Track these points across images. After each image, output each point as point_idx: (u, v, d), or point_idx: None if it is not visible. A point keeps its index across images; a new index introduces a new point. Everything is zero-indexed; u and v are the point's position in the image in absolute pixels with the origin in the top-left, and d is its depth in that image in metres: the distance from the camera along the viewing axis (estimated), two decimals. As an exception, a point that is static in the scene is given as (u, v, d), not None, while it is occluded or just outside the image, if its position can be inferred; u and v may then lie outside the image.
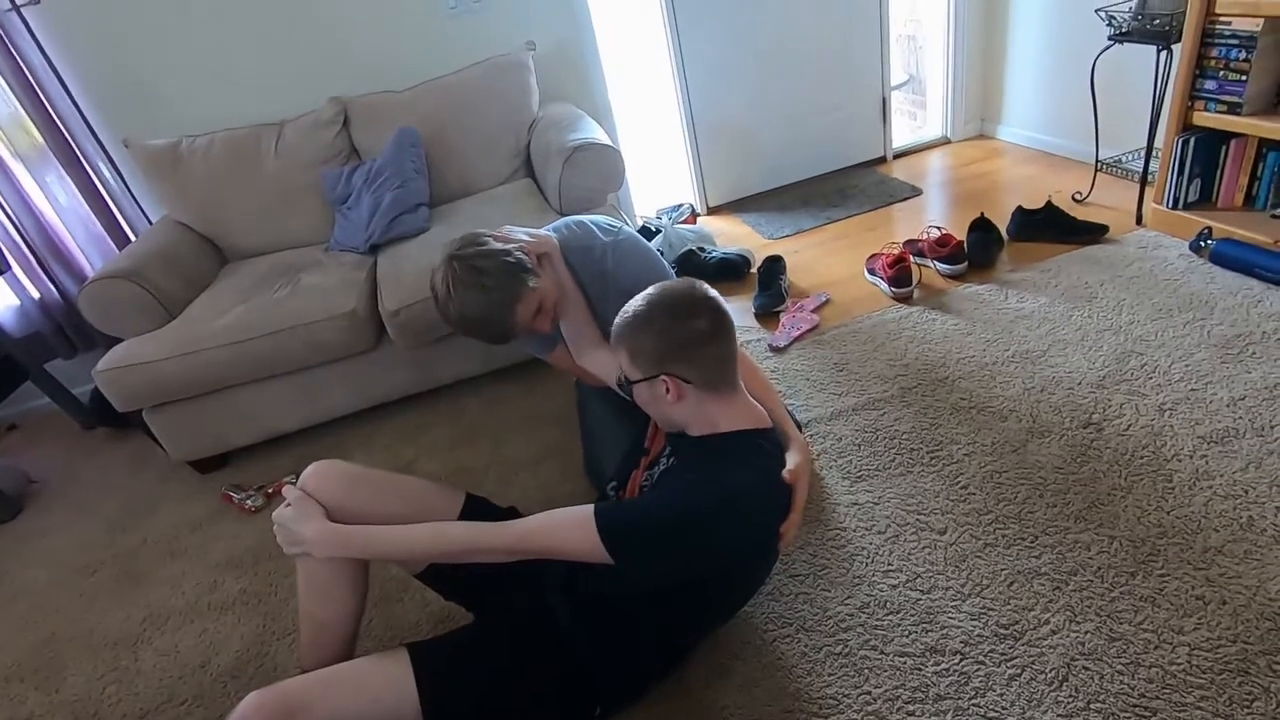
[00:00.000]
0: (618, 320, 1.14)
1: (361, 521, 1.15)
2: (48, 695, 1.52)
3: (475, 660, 1.10)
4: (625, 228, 1.54)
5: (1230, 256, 1.98)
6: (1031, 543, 1.35)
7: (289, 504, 1.14)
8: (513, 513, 1.35)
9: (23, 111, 2.29)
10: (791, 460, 1.18)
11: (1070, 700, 1.09)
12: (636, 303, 1.14)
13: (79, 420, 2.55)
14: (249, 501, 1.94)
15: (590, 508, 1.07)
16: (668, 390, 1.11)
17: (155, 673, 1.51)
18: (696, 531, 1.05)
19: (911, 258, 2.28)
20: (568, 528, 1.07)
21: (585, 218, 1.55)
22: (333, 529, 1.12)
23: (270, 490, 1.98)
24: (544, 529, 1.09)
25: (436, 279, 1.33)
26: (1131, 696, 1.08)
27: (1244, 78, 1.91)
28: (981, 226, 2.31)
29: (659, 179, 3.43)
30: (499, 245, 1.33)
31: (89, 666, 1.56)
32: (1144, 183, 2.29)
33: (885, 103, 3.17)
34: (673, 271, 1.53)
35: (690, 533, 1.05)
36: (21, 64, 2.23)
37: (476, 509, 1.30)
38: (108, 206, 2.47)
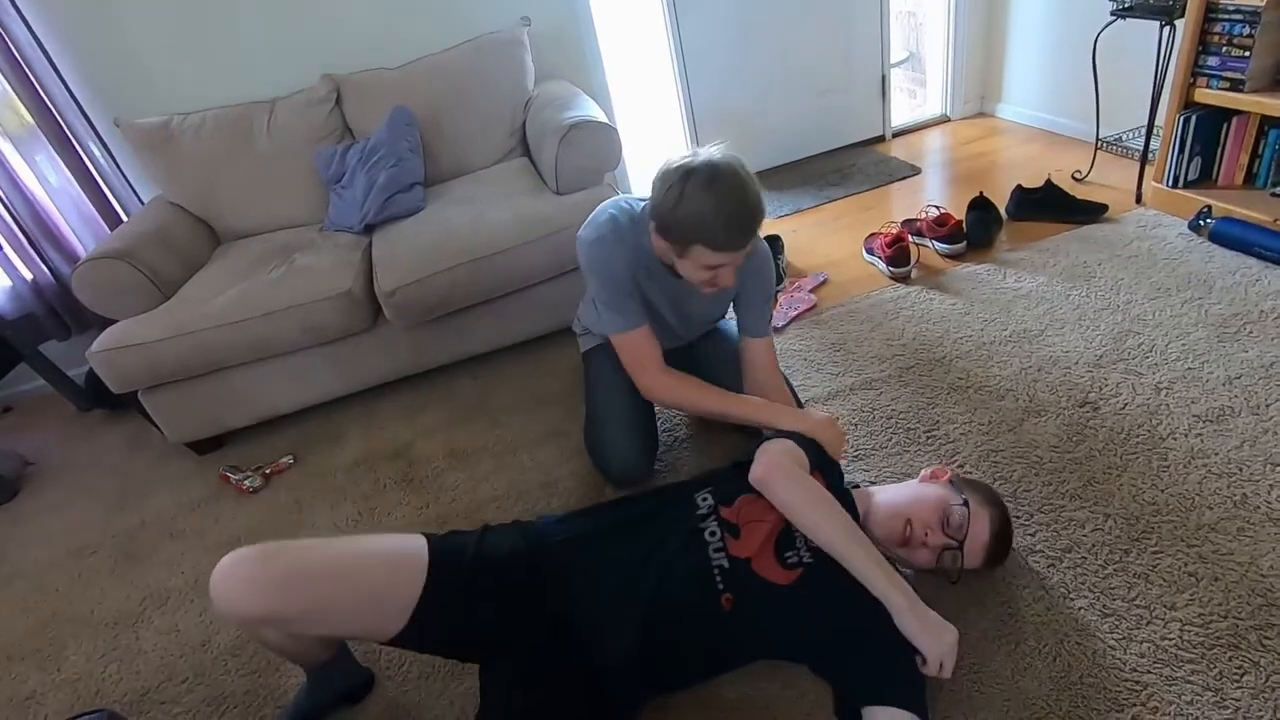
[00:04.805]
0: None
1: (300, 623, 1.02)
2: (49, 674, 1.53)
3: None
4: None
5: (1229, 235, 1.97)
6: (1027, 520, 1.36)
7: None
8: (485, 531, 1.20)
9: (11, 90, 2.25)
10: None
11: (1063, 675, 1.11)
12: None
13: (74, 402, 2.54)
14: (247, 482, 1.94)
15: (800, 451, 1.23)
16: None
17: (156, 652, 1.52)
18: None
19: (910, 237, 2.27)
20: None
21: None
22: None
23: (268, 471, 1.98)
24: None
25: (720, 171, 1.27)
26: (1123, 671, 1.09)
27: (1247, 54, 1.90)
28: (980, 206, 2.30)
29: (657, 158, 3.40)
30: None
31: (89, 646, 1.57)
32: (1144, 161, 2.28)
33: (885, 80, 3.14)
34: None
35: None
36: (9, 41, 2.19)
37: (442, 548, 1.12)
38: (99, 186, 2.44)
